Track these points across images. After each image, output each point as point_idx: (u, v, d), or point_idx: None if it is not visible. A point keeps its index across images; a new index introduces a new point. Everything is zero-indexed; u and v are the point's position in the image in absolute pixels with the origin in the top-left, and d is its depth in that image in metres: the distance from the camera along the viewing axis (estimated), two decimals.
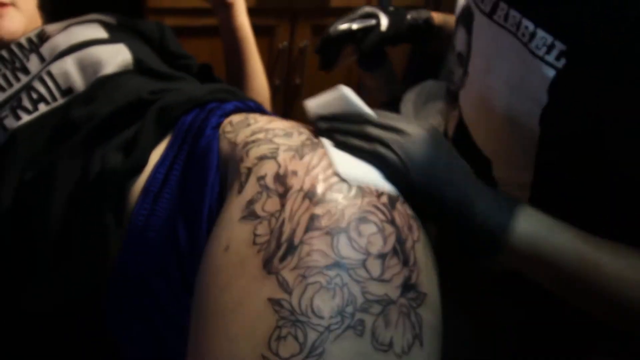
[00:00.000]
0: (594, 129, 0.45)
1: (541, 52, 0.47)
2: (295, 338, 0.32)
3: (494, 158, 0.58)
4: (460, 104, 0.63)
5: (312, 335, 0.32)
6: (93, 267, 0.49)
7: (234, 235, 0.38)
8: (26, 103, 0.60)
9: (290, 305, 0.33)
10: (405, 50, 1.32)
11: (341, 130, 0.45)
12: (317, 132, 0.47)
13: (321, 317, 0.33)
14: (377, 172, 0.42)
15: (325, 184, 0.39)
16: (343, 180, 0.40)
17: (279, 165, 0.41)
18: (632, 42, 0.40)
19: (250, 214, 0.39)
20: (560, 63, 0.45)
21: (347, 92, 0.47)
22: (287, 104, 1.28)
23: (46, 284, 0.51)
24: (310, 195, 0.38)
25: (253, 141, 0.46)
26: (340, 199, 0.38)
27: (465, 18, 0.61)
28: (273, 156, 0.43)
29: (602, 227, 0.46)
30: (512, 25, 0.50)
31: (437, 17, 0.78)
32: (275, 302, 0.34)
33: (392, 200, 0.40)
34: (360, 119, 0.46)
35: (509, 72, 0.51)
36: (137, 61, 0.66)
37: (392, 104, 0.94)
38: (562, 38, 0.45)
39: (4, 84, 0.64)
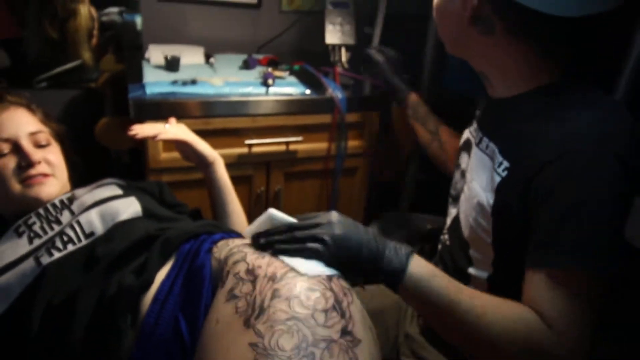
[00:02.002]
0: (522, 223, 0.68)
1: (496, 165, 0.73)
2: None
3: (470, 241, 0.80)
4: (459, 204, 0.87)
5: None
6: None
7: (221, 312, 0.55)
8: (58, 244, 0.78)
9: (263, 345, 0.49)
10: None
11: (277, 241, 0.63)
12: (258, 248, 0.63)
13: (284, 351, 0.48)
14: (315, 261, 0.60)
15: (282, 270, 0.57)
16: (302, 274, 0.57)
17: (248, 264, 0.59)
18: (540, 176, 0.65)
19: (231, 297, 0.56)
20: (504, 174, 0.71)
21: (273, 211, 0.65)
22: None
23: None
24: (272, 278, 0.56)
25: (230, 254, 0.65)
26: (293, 278, 0.55)
27: (467, 146, 0.88)
28: (243, 259, 0.61)
29: None
30: (488, 150, 0.77)
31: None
32: (253, 345, 0.49)
33: (329, 277, 0.57)
34: (288, 228, 0.63)
35: (483, 179, 0.77)
36: (145, 209, 0.86)
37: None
38: (508, 159, 0.71)
39: (41, 232, 0.82)
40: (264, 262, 0.59)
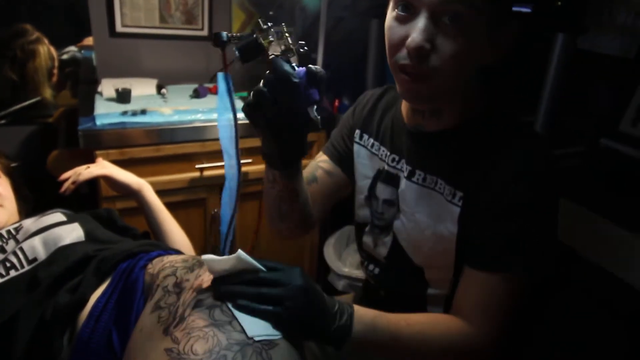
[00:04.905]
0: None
1: (449, 198, 0.76)
2: None
3: (425, 266, 0.84)
4: (395, 231, 0.87)
5: None
6: None
7: (146, 321, 0.59)
8: (1, 270, 0.82)
9: (178, 350, 0.51)
10: None
11: (240, 293, 0.58)
12: (218, 296, 0.57)
13: (196, 354, 0.50)
14: (269, 324, 0.57)
15: (207, 282, 0.60)
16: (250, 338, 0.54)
17: (177, 278, 0.64)
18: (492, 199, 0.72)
19: (156, 308, 0.59)
20: (460, 203, 0.75)
21: (242, 254, 0.59)
22: None
23: None
24: (197, 290, 0.59)
25: (163, 269, 0.69)
26: None
27: (388, 178, 0.88)
28: (173, 273, 0.65)
29: None
30: (430, 183, 0.80)
31: None
32: (169, 350, 0.52)
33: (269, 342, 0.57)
34: (254, 277, 0.59)
35: (430, 210, 0.80)
36: (87, 233, 0.90)
37: None
38: (460, 189, 0.75)
39: None
40: (192, 276, 0.63)
